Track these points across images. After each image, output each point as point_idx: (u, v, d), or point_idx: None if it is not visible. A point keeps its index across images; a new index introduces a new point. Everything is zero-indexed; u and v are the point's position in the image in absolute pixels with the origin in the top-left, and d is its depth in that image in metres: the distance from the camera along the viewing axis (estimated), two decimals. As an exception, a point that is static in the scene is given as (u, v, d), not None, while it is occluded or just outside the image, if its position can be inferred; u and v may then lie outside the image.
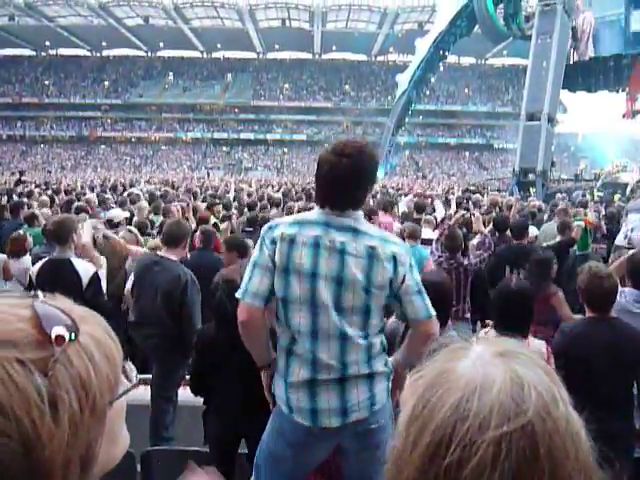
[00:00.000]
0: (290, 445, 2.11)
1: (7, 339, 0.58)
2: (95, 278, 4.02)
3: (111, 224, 6.02)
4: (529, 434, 0.57)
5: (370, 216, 6.44)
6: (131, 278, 4.60)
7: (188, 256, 4.80)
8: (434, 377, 0.64)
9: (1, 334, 0.58)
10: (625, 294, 3.41)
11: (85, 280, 3.92)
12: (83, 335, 0.63)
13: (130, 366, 0.69)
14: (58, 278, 3.87)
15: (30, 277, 4.10)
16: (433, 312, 2.04)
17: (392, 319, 3.04)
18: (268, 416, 2.24)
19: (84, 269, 3.99)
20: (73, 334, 0.61)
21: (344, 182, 1.98)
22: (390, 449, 0.65)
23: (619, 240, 6.14)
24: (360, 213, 2.05)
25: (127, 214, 6.66)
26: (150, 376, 4.02)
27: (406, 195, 14.39)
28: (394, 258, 1.95)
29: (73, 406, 0.59)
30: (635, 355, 2.77)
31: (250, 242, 4.77)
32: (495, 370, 0.61)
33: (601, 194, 17.68)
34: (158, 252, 4.22)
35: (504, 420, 0.57)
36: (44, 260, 4.12)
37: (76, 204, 7.83)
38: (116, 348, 0.68)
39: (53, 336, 0.59)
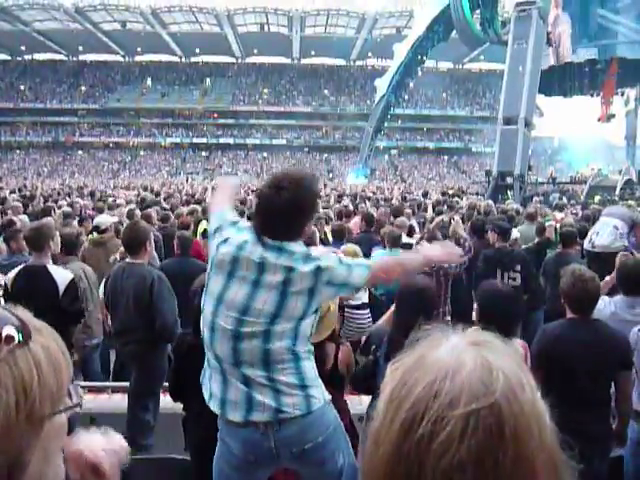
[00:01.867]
0: (220, 438, 2.17)
1: None
2: (72, 285, 3.97)
3: (98, 230, 5.95)
4: (496, 413, 0.60)
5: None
6: (101, 289, 4.56)
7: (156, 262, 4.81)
8: (412, 363, 0.67)
9: None
10: (614, 302, 3.43)
11: (62, 287, 3.87)
12: (35, 344, 0.64)
13: (77, 389, 0.71)
14: (34, 285, 3.82)
15: (5, 284, 4.03)
16: (368, 266, 2.09)
17: (377, 322, 3.05)
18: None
19: (61, 276, 3.94)
20: (22, 337, 0.62)
21: (282, 215, 1.98)
22: (369, 429, 0.68)
23: (585, 244, 6.18)
24: (297, 244, 2.04)
25: (115, 219, 6.58)
26: (128, 384, 3.98)
27: (385, 200, 14.45)
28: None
29: (10, 406, 0.60)
30: (616, 356, 2.80)
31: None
32: (467, 356, 0.65)
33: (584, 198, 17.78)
34: (126, 259, 4.19)
35: (473, 399, 0.60)
36: (20, 267, 4.05)
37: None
38: (66, 365, 0.69)
39: (3, 335, 0.61)
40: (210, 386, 2.09)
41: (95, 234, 6.02)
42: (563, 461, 0.64)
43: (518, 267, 5.39)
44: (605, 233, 5.91)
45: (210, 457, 2.93)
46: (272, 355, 1.96)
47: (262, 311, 1.95)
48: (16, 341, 0.62)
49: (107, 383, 4.44)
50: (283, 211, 1.97)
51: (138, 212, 7.92)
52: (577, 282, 2.88)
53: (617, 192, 18.43)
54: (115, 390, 4.09)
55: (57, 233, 4.36)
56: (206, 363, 2.14)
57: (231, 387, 2.01)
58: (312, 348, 2.10)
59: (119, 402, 3.87)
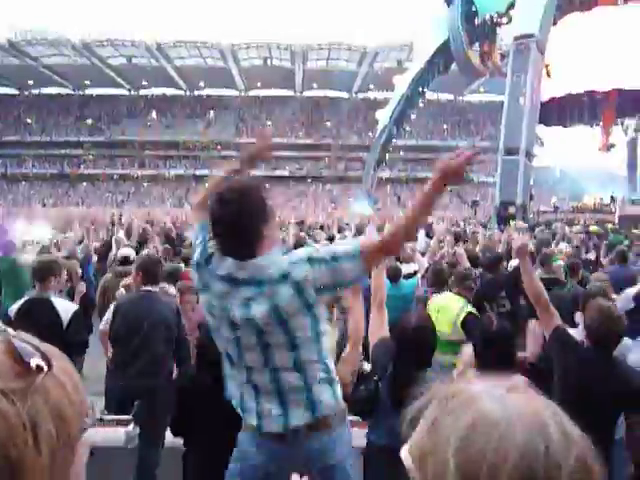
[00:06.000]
0: (240, 452, 2.15)
1: None
2: (76, 317, 3.98)
3: (128, 262, 5.98)
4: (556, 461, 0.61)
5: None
6: (107, 319, 4.54)
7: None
8: (469, 427, 0.64)
9: None
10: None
11: (65, 319, 3.89)
12: (56, 367, 0.66)
13: (92, 401, 0.73)
14: (37, 317, 3.84)
15: (9, 315, 4.06)
16: (356, 250, 1.91)
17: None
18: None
19: (64, 308, 3.97)
20: (49, 365, 0.64)
21: (235, 230, 1.92)
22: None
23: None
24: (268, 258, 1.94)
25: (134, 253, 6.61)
26: (127, 417, 3.93)
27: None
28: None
29: (52, 434, 0.62)
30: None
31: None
32: (516, 404, 0.65)
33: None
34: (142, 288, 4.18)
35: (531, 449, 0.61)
36: (24, 299, 4.10)
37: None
38: (80, 382, 0.70)
39: (33, 366, 0.62)
40: (243, 401, 2.07)
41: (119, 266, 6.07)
42: None
43: (502, 292, 5.32)
44: None
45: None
46: (302, 360, 1.95)
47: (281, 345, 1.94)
48: (45, 370, 0.63)
49: (109, 416, 4.40)
50: (232, 224, 1.91)
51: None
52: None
53: None
54: (117, 423, 4.04)
55: (64, 270, 4.41)
56: (233, 381, 2.11)
57: (265, 398, 2.00)
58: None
59: (121, 435, 3.82)
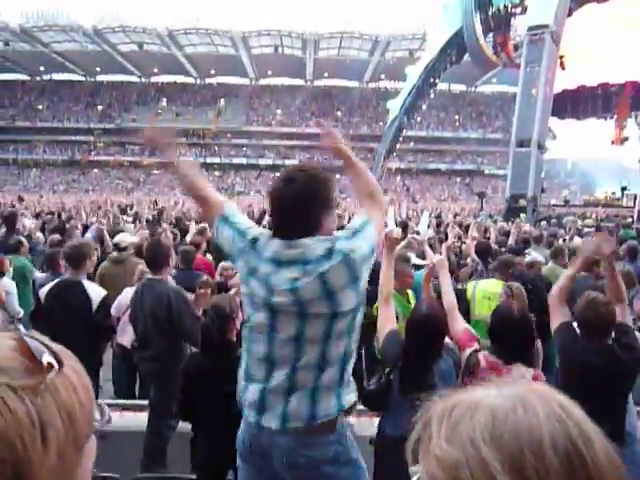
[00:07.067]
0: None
1: None
2: (105, 302, 4.06)
3: (118, 248, 5.98)
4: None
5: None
6: (121, 303, 4.60)
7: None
8: (489, 423, 0.61)
9: None
10: None
11: (95, 303, 3.95)
12: (66, 367, 0.65)
13: (103, 404, 0.72)
14: (68, 299, 3.93)
15: (39, 298, 4.13)
16: (363, 216, 2.04)
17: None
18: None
19: (95, 292, 4.03)
20: (60, 364, 0.63)
21: (295, 207, 1.89)
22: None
23: None
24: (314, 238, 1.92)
25: (135, 239, 6.57)
26: (143, 402, 3.97)
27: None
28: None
29: (60, 433, 0.60)
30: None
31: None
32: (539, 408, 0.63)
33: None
34: (148, 275, 4.21)
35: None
36: (54, 282, 4.16)
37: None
38: (90, 383, 0.69)
39: (45, 363, 0.61)
40: (246, 395, 2.03)
41: (115, 252, 6.04)
42: None
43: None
44: None
45: (215, 477, 2.90)
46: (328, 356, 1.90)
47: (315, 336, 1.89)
48: (56, 368, 0.62)
49: (119, 401, 4.43)
50: (295, 203, 1.88)
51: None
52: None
53: None
54: (126, 408, 4.08)
55: (95, 253, 4.46)
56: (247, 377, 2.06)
57: (272, 395, 1.95)
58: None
59: (130, 420, 3.85)
